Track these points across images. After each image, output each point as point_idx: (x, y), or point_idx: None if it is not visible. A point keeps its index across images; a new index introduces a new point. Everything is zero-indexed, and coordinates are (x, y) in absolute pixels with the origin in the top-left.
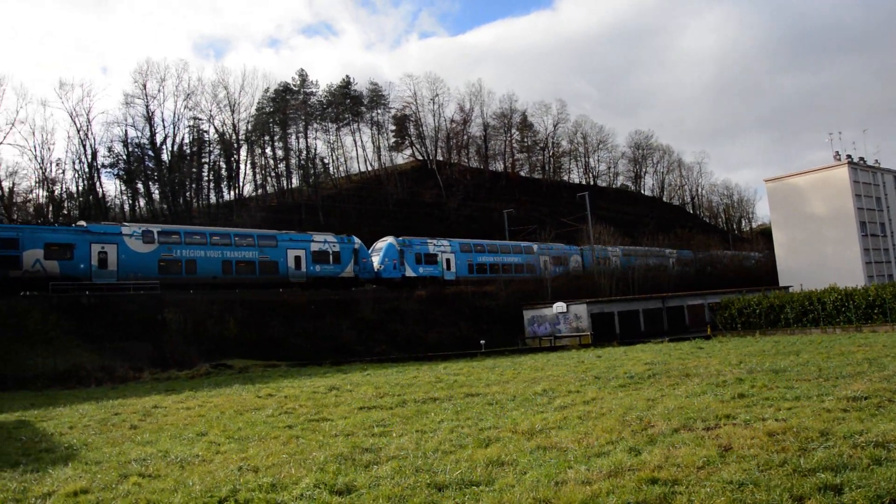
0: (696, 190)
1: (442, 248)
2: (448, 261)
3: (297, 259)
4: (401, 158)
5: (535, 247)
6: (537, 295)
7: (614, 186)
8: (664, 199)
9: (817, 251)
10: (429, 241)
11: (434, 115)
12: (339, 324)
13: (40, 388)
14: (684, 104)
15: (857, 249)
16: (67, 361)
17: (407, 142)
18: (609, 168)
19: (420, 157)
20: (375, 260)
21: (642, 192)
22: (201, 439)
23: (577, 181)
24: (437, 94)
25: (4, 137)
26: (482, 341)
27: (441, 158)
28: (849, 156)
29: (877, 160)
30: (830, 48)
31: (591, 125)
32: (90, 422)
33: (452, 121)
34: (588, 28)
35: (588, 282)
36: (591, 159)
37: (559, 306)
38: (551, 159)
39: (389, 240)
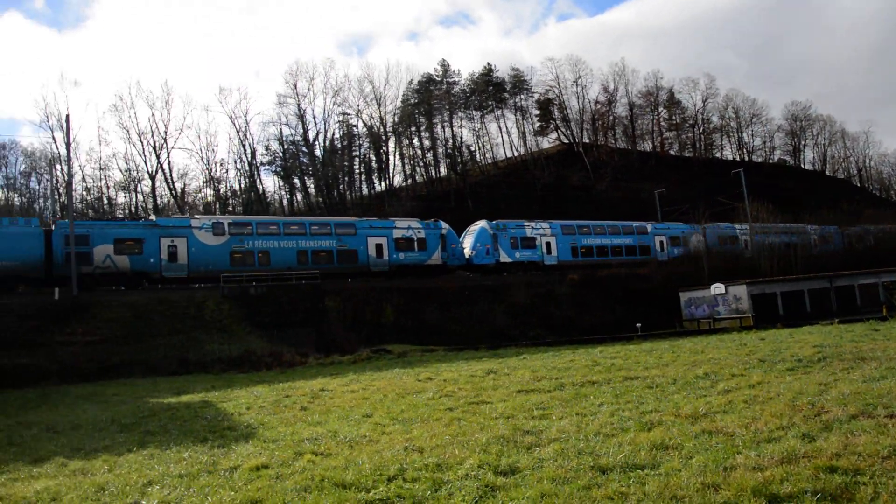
0: (864, 161)
1: (541, 230)
2: (548, 244)
3: (379, 247)
4: (546, 142)
5: (650, 227)
6: (692, 276)
7: (771, 161)
8: (827, 172)
9: None
10: (526, 223)
11: (578, 98)
12: (493, 308)
13: (218, 372)
14: (845, 70)
15: None
16: (240, 347)
17: (552, 125)
18: (764, 143)
19: (566, 141)
20: (467, 245)
21: (802, 166)
22: (367, 420)
23: (730, 158)
24: (579, 76)
25: (175, 142)
26: (638, 324)
27: (587, 140)
28: None
29: None
30: None
31: (743, 99)
32: (264, 403)
33: (597, 102)
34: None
35: (746, 262)
36: (744, 134)
37: (717, 288)
38: (702, 136)
39: (481, 224)
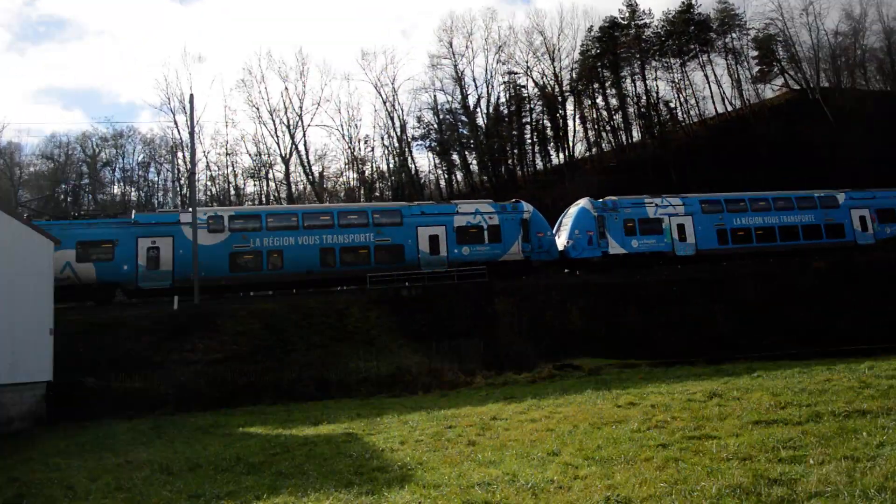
0: None
1: (669, 209)
2: (681, 227)
3: (434, 239)
4: (770, 91)
5: (842, 196)
6: None
7: None
8: None
9: None
10: (647, 199)
11: (811, 30)
12: (712, 309)
13: (364, 395)
14: None
15: None
16: (391, 364)
17: (776, 69)
18: None
19: (797, 86)
20: (563, 234)
21: None
22: (554, 460)
23: None
24: (810, 3)
25: (312, 119)
26: None
27: (827, 84)
28: None
29: None
30: None
31: None
32: (422, 436)
33: (837, 33)
34: None
35: None
36: None
37: None
38: None
39: (582, 203)
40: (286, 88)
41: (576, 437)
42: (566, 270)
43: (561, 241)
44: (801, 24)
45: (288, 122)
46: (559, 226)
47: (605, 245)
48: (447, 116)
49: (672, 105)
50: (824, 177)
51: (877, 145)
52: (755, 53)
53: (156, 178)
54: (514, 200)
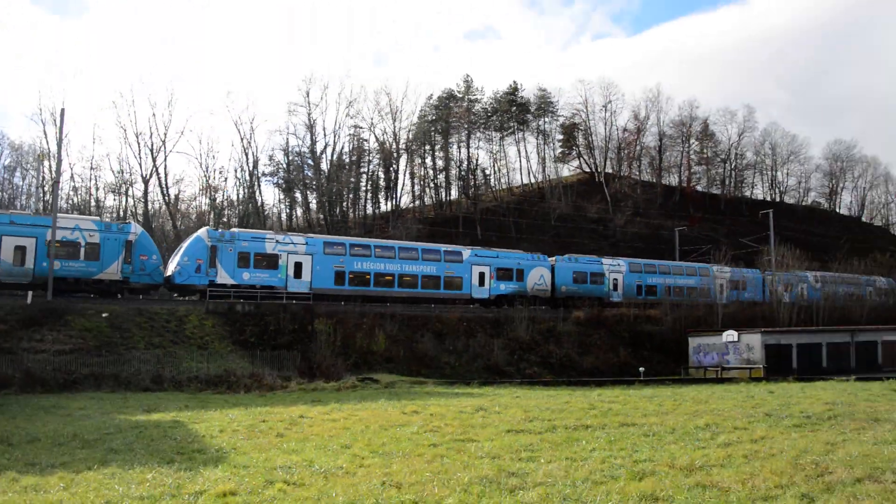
0: None
1: (290, 246)
2: (298, 264)
3: (20, 250)
4: (567, 170)
5: (467, 252)
6: (706, 322)
7: (804, 203)
8: (864, 218)
9: None
10: (268, 235)
11: (605, 124)
12: (491, 343)
13: (194, 391)
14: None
15: None
16: (220, 366)
17: (574, 152)
18: (800, 183)
19: (587, 170)
20: (175, 260)
21: (837, 210)
22: (345, 452)
23: (760, 197)
24: (609, 101)
25: (174, 146)
26: (641, 369)
27: (610, 170)
28: None
29: None
30: None
31: (783, 134)
32: (239, 427)
33: (625, 130)
34: (784, 23)
35: (765, 310)
36: (779, 173)
37: (729, 335)
38: (733, 172)
39: (199, 232)
40: (154, 115)
41: (366, 435)
42: (175, 295)
43: (171, 267)
44: (600, 117)
45: (151, 145)
46: (175, 252)
47: (213, 274)
48: (296, 158)
49: (487, 172)
50: (599, 245)
51: (641, 223)
52: (560, 137)
53: (21, 183)
54: (123, 221)
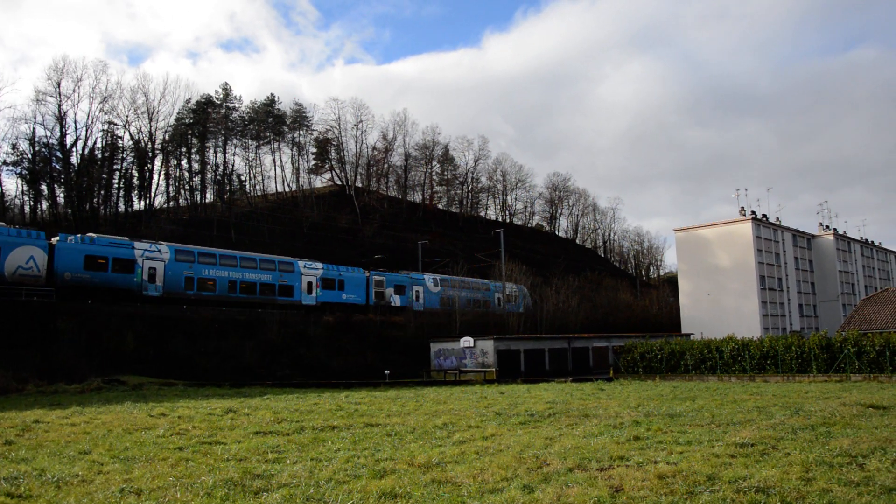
0: (609, 234)
1: None
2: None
3: None
4: (319, 182)
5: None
6: (447, 328)
7: (530, 225)
8: (577, 241)
9: (719, 301)
10: None
11: (357, 141)
12: (243, 345)
13: None
14: (601, 150)
15: (756, 302)
16: None
17: (327, 165)
18: (526, 207)
19: (339, 182)
20: None
21: (557, 233)
22: (83, 458)
23: (493, 218)
24: (361, 120)
25: None
26: (387, 371)
27: (360, 185)
28: (753, 212)
29: (778, 218)
30: (740, 109)
31: (511, 164)
32: None
33: (374, 148)
34: (511, 68)
35: (497, 318)
36: (508, 197)
37: (466, 341)
38: (469, 194)
39: None
40: None
41: (108, 439)
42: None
43: None
44: (352, 135)
45: None
46: None
47: None
48: (43, 149)
49: (243, 178)
50: (349, 254)
51: (387, 235)
52: (314, 150)
53: None
54: None
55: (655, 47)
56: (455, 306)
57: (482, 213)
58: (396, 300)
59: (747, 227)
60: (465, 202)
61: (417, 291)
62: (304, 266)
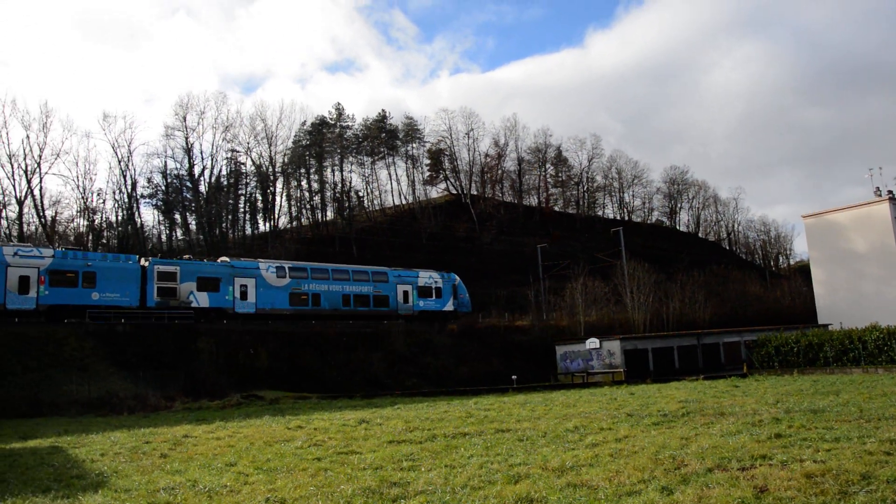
0: (732, 226)
1: None
2: None
3: None
4: (435, 192)
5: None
6: (570, 331)
7: (649, 222)
8: (699, 234)
9: (857, 289)
10: None
11: (469, 150)
12: (370, 357)
13: (74, 415)
14: (717, 139)
15: None
16: (101, 388)
17: (441, 175)
18: (644, 203)
19: (454, 191)
20: None
21: (677, 227)
22: (230, 469)
23: (611, 216)
24: (471, 129)
25: (49, 167)
26: (514, 376)
27: (475, 192)
28: (890, 192)
29: None
30: (863, 84)
31: (626, 160)
32: (121, 449)
33: (487, 155)
34: (617, 65)
35: (622, 317)
36: (625, 194)
37: (592, 342)
38: (585, 194)
39: None
40: (27, 137)
41: (251, 452)
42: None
43: None
44: (464, 144)
45: (26, 167)
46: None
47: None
48: (174, 181)
49: (361, 194)
50: (468, 264)
51: (505, 240)
52: (428, 161)
53: None
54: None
55: (765, 28)
56: (323, 306)
57: (600, 213)
58: (202, 300)
59: (885, 208)
60: (581, 202)
61: (244, 286)
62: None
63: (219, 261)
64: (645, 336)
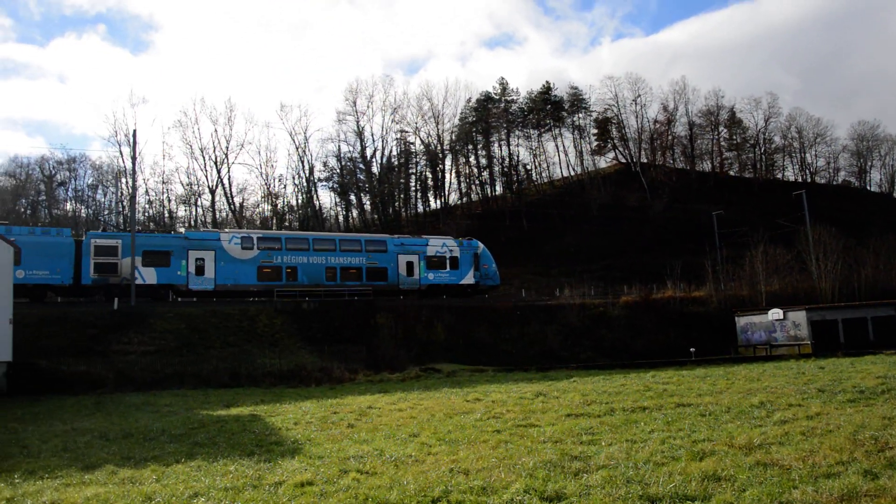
0: None
1: None
2: None
3: None
4: (603, 162)
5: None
6: (750, 301)
7: (835, 183)
8: (895, 195)
9: None
10: None
11: (637, 117)
12: (545, 330)
13: (268, 386)
14: None
15: None
16: (291, 362)
17: (609, 145)
18: (828, 163)
19: (623, 160)
20: None
21: (868, 188)
22: (414, 440)
23: (792, 179)
24: (639, 95)
25: (235, 157)
26: (692, 349)
27: (645, 160)
28: None
29: None
30: None
31: (807, 118)
32: (312, 419)
33: (656, 121)
34: (791, 15)
35: (806, 286)
36: (807, 155)
37: (775, 313)
38: (763, 157)
39: None
40: (215, 130)
41: (432, 423)
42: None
43: None
44: (631, 111)
45: (215, 158)
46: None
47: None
48: (348, 163)
49: (528, 167)
50: (640, 233)
51: (678, 209)
52: (595, 131)
53: (102, 199)
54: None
55: None
56: (300, 280)
57: (779, 176)
58: (148, 275)
59: None
60: (758, 166)
61: (201, 260)
62: None
63: (172, 233)
64: (834, 306)
